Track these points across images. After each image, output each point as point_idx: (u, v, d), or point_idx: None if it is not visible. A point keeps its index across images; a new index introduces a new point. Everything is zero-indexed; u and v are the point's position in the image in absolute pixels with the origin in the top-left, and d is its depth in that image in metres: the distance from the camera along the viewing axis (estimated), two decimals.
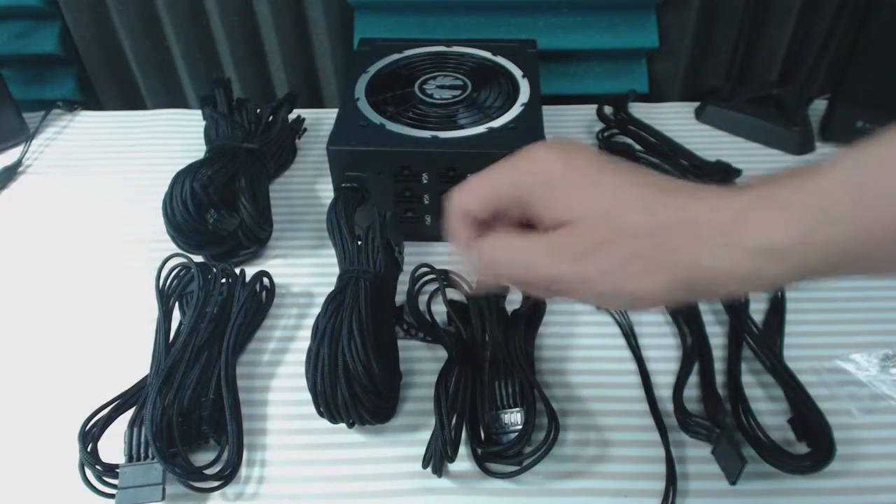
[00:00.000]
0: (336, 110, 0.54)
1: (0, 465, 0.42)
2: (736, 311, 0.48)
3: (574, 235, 0.29)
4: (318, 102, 0.80)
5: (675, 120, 0.68)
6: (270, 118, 0.62)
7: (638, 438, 0.43)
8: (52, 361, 0.48)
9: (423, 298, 0.51)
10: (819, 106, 0.66)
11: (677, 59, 0.72)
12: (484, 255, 0.32)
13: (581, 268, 0.28)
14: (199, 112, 0.62)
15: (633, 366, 0.47)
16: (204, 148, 0.58)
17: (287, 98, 0.64)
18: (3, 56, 0.73)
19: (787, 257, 0.25)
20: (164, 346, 0.44)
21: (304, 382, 0.40)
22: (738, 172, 0.59)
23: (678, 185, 0.29)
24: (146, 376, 0.43)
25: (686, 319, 0.49)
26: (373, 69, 0.58)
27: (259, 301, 0.50)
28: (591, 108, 0.68)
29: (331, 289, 0.44)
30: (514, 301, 0.50)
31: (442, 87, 0.56)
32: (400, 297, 0.49)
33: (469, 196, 0.34)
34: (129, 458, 0.40)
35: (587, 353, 0.48)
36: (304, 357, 0.41)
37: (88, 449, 0.39)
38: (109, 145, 0.68)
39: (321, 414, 0.41)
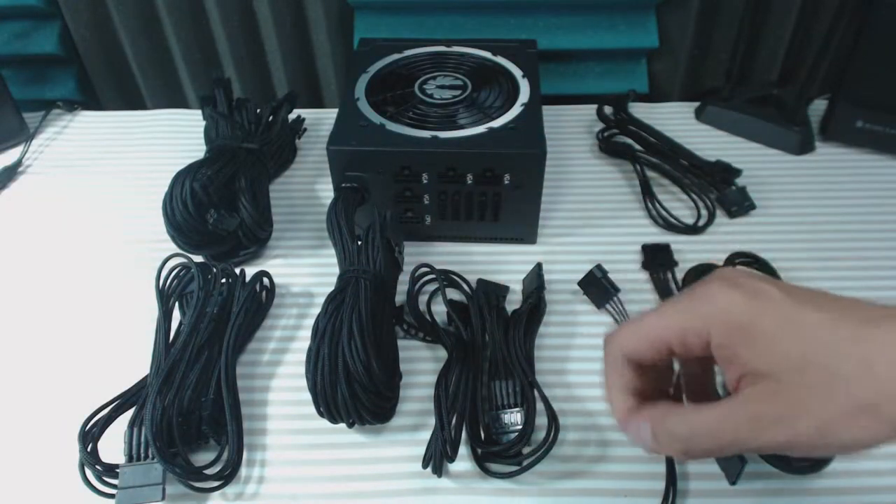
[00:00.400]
0: (336, 110, 0.54)
1: (0, 465, 0.42)
2: None
3: (775, 395, 0.25)
4: (318, 102, 0.80)
5: (675, 120, 0.68)
6: (270, 118, 0.62)
7: None
8: (52, 361, 0.48)
9: (423, 298, 0.51)
10: (819, 106, 0.66)
11: (677, 59, 0.72)
12: (659, 432, 0.28)
13: (792, 431, 0.25)
14: (199, 112, 0.62)
15: None
16: (204, 148, 0.58)
17: (287, 98, 0.64)
18: (3, 56, 0.73)
19: None
20: (164, 346, 0.45)
21: (304, 382, 0.40)
22: (738, 172, 0.59)
23: (884, 312, 0.25)
24: (146, 376, 0.43)
25: None
26: (373, 69, 0.58)
27: (259, 301, 0.50)
28: (591, 108, 0.68)
29: (331, 289, 0.44)
30: (514, 301, 0.50)
31: (442, 87, 0.56)
32: (400, 297, 0.49)
33: (632, 339, 0.29)
34: (129, 458, 0.40)
35: (587, 353, 0.48)
36: (304, 357, 0.41)
37: (88, 449, 0.39)
38: (109, 145, 0.68)
39: (321, 414, 0.41)
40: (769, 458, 0.39)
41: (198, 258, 0.51)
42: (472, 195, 0.52)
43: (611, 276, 0.49)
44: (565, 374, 0.46)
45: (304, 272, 0.54)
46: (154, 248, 0.53)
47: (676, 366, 0.33)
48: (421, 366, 0.47)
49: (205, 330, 0.45)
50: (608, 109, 0.66)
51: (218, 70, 0.77)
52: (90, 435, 0.40)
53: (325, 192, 0.61)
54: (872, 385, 0.24)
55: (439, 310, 0.50)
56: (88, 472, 0.39)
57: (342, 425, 0.42)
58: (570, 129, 0.68)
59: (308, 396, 0.40)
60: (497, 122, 0.52)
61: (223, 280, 0.49)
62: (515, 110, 0.53)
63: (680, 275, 0.52)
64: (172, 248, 0.52)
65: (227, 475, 0.40)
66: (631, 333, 0.29)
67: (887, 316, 0.25)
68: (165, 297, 0.48)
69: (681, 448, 0.28)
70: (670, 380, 0.33)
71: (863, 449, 0.25)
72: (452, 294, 0.51)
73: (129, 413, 0.41)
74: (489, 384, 0.43)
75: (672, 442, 0.28)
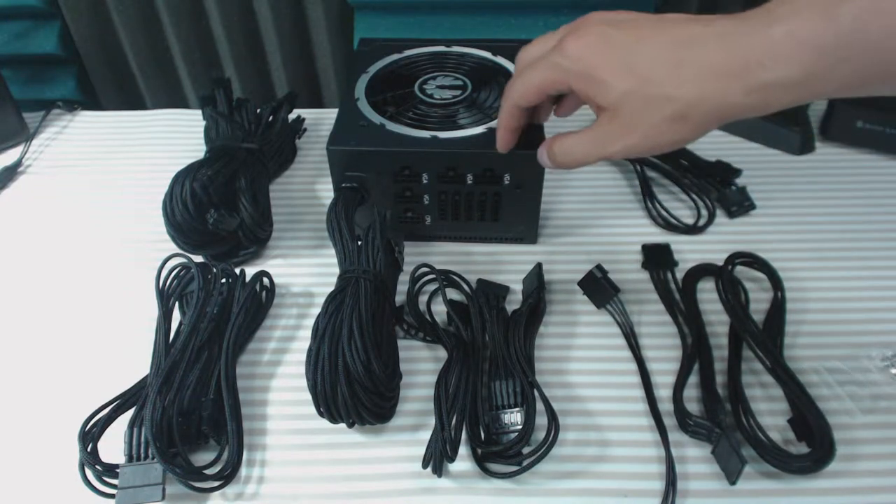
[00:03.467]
0: (336, 110, 0.54)
1: (0, 465, 0.42)
2: (736, 311, 0.48)
3: (613, 120, 0.36)
4: (318, 102, 0.80)
5: None
6: (270, 118, 0.62)
7: (638, 438, 0.43)
8: (52, 361, 0.48)
9: (423, 298, 0.51)
10: (819, 106, 0.66)
11: None
12: (550, 151, 0.41)
13: (627, 142, 0.36)
14: (199, 112, 0.62)
15: (633, 366, 0.47)
16: (204, 148, 0.58)
17: (287, 98, 0.64)
18: (3, 56, 0.73)
19: (796, 89, 0.32)
20: (164, 346, 0.44)
21: (304, 382, 0.40)
22: (738, 172, 0.59)
23: (697, 34, 0.33)
24: (146, 376, 0.43)
25: (686, 319, 0.49)
26: (373, 69, 0.58)
27: (259, 301, 0.50)
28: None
29: (331, 289, 0.44)
30: (514, 301, 0.50)
31: (442, 87, 0.56)
32: (400, 297, 0.49)
33: (517, 96, 0.41)
34: (129, 458, 0.40)
35: (587, 353, 0.48)
36: (304, 357, 0.41)
37: (88, 449, 0.39)
38: (109, 145, 0.68)
39: (321, 414, 0.41)
40: (769, 458, 0.39)
41: (198, 258, 0.51)
42: (472, 195, 0.52)
43: (611, 276, 0.49)
44: (565, 374, 0.46)
45: (304, 272, 0.54)
46: (154, 248, 0.53)
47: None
48: (421, 366, 0.47)
49: (205, 330, 0.45)
50: None
51: (218, 70, 0.77)
52: (90, 435, 0.40)
53: (325, 192, 0.62)
54: (680, 100, 0.34)
55: (439, 310, 0.50)
56: (88, 472, 0.39)
57: (342, 425, 0.42)
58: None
59: (308, 396, 0.40)
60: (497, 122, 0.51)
61: (223, 280, 0.49)
62: None
63: (680, 275, 0.52)
64: (172, 248, 0.52)
65: (227, 475, 0.40)
66: (520, 86, 0.40)
67: (692, 43, 0.33)
68: (165, 297, 0.48)
69: (562, 160, 0.41)
70: (542, 116, 0.47)
71: (679, 146, 0.36)
72: (452, 294, 0.51)
73: (129, 413, 0.41)
74: (489, 384, 0.43)
75: (558, 156, 0.41)
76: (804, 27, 0.30)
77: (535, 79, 0.39)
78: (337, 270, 0.46)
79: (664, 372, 0.46)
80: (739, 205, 0.57)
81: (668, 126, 0.35)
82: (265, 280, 0.51)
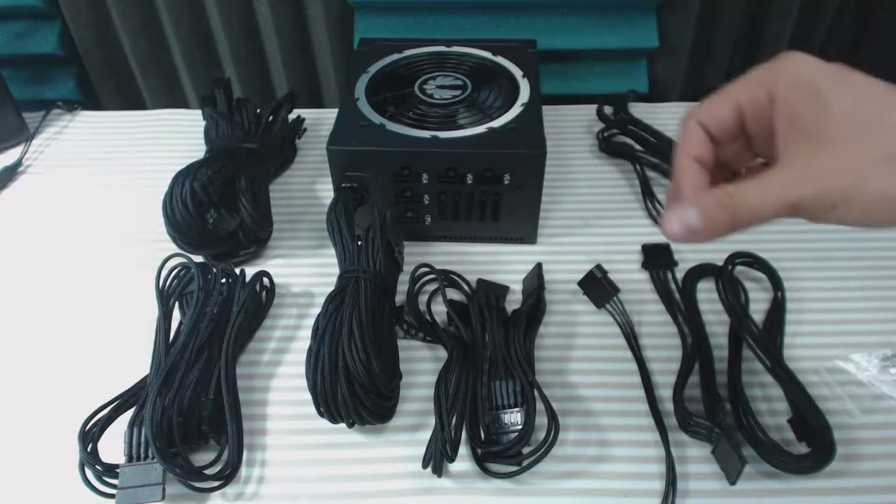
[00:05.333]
0: (336, 110, 0.54)
1: (0, 465, 0.42)
2: (736, 311, 0.48)
3: (819, 147, 0.27)
4: (318, 102, 0.80)
5: (675, 120, 0.68)
6: (270, 118, 0.62)
7: (638, 438, 0.43)
8: (52, 361, 0.48)
9: (423, 298, 0.51)
10: None
11: (677, 59, 0.72)
12: (708, 203, 0.29)
13: (842, 179, 0.26)
14: (199, 112, 0.62)
15: (633, 366, 0.47)
16: (204, 148, 0.58)
17: (287, 98, 0.64)
18: (3, 56, 0.73)
19: None
20: (164, 346, 0.44)
21: (304, 382, 0.40)
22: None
23: None
24: (146, 376, 0.43)
25: (686, 319, 0.49)
26: (373, 69, 0.58)
27: (259, 301, 0.50)
28: (591, 108, 0.68)
29: (331, 289, 0.44)
30: (514, 301, 0.50)
31: (442, 87, 0.56)
32: (400, 297, 0.49)
33: (710, 103, 0.31)
34: (129, 458, 0.40)
35: (587, 353, 0.48)
36: (304, 357, 0.41)
37: (88, 449, 0.39)
38: (109, 145, 0.68)
39: (321, 414, 0.41)
40: (769, 458, 0.39)
41: (198, 258, 0.51)
42: (472, 195, 0.52)
43: (611, 276, 0.49)
44: (565, 374, 0.46)
45: (304, 272, 0.54)
46: (154, 248, 0.53)
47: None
48: (421, 366, 0.47)
49: (205, 330, 0.45)
50: (608, 109, 0.66)
51: (218, 70, 0.77)
52: (90, 435, 0.40)
53: (325, 192, 0.61)
54: None
55: (439, 310, 0.50)
56: (88, 472, 0.39)
57: (342, 425, 0.42)
58: (570, 129, 0.68)
59: (308, 396, 0.40)
60: (497, 122, 0.52)
61: (223, 280, 0.49)
62: (515, 110, 0.53)
63: (680, 275, 0.52)
64: (172, 248, 0.52)
65: (227, 475, 0.40)
66: (711, 100, 0.31)
67: None
68: (165, 297, 0.48)
69: (729, 218, 0.29)
70: (736, 161, 0.33)
71: (890, 213, 0.26)
72: (452, 294, 0.51)
73: (129, 413, 0.41)
74: (489, 384, 0.43)
75: (719, 210, 0.29)
76: None
77: (730, 89, 0.30)
78: (337, 270, 0.46)
79: (664, 372, 0.46)
80: None
81: (887, 167, 0.26)
82: (265, 280, 0.51)
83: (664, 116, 0.68)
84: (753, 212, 0.28)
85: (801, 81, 0.28)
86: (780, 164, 0.28)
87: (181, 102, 0.79)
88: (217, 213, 0.51)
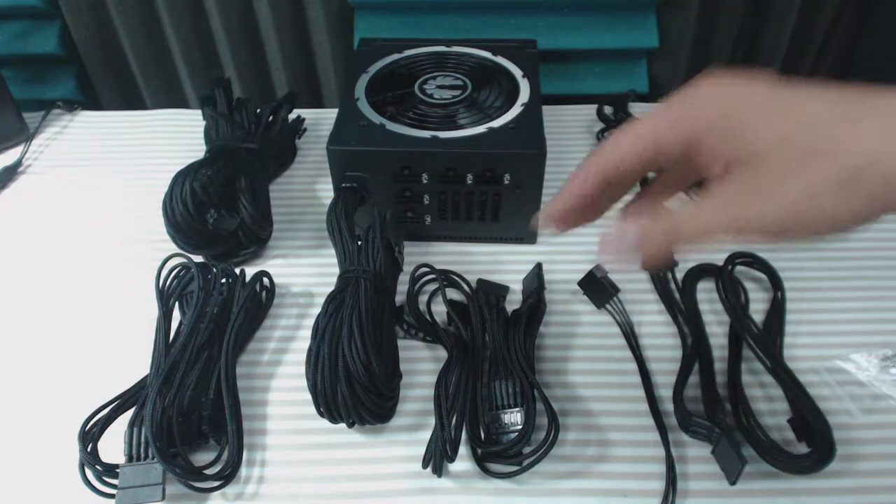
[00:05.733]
0: (336, 110, 0.54)
1: (0, 465, 0.42)
2: (736, 311, 0.48)
3: (756, 172, 0.26)
4: (318, 102, 0.80)
5: None
6: (270, 118, 0.62)
7: (638, 438, 0.43)
8: (52, 361, 0.48)
9: (423, 298, 0.51)
10: None
11: (677, 59, 0.72)
12: (646, 225, 0.28)
13: (770, 204, 0.26)
14: (199, 112, 0.62)
15: (633, 366, 0.47)
16: (204, 148, 0.58)
17: (287, 98, 0.64)
18: (3, 56, 0.73)
19: None
20: (164, 346, 0.44)
21: (304, 382, 0.40)
22: None
23: (874, 91, 0.25)
24: (146, 376, 0.43)
25: (686, 319, 0.49)
26: (373, 69, 0.58)
27: (259, 301, 0.50)
28: (591, 108, 0.68)
29: (331, 289, 0.44)
30: (514, 301, 0.50)
31: (442, 87, 0.56)
32: (400, 297, 0.49)
33: (619, 147, 0.29)
34: (129, 458, 0.40)
35: (587, 353, 0.48)
36: (304, 357, 0.41)
37: (88, 449, 0.39)
38: (109, 145, 0.68)
39: (321, 414, 0.41)
40: (769, 458, 0.39)
41: (198, 258, 0.51)
42: (472, 195, 0.52)
43: (611, 276, 0.49)
44: (565, 374, 0.46)
45: (304, 272, 0.54)
46: (154, 248, 0.53)
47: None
48: (421, 366, 0.47)
49: (205, 330, 0.45)
50: (608, 109, 0.66)
51: (218, 70, 0.77)
52: (90, 435, 0.40)
53: (325, 192, 0.61)
54: (851, 159, 0.24)
55: (439, 310, 0.50)
56: (88, 472, 0.39)
57: (342, 425, 0.42)
58: (570, 129, 0.68)
59: (308, 396, 0.40)
60: (497, 122, 0.52)
61: (223, 280, 0.49)
62: (515, 110, 0.53)
63: (680, 275, 0.52)
64: (172, 248, 0.52)
65: (227, 475, 0.40)
66: (622, 136, 0.29)
67: (873, 103, 0.25)
68: (165, 297, 0.48)
69: (666, 237, 0.28)
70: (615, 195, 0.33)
71: (839, 229, 0.25)
72: (452, 294, 0.51)
73: (129, 413, 0.41)
74: (489, 384, 0.43)
75: (657, 232, 0.28)
76: None
77: (646, 126, 0.29)
78: (337, 270, 0.46)
79: (664, 372, 0.46)
80: None
81: (830, 189, 0.25)
82: (265, 280, 0.51)
83: None
84: (699, 231, 0.28)
85: (725, 115, 0.27)
86: (724, 185, 0.27)
87: (181, 102, 0.79)
88: (217, 213, 0.51)
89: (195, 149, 0.62)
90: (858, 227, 0.25)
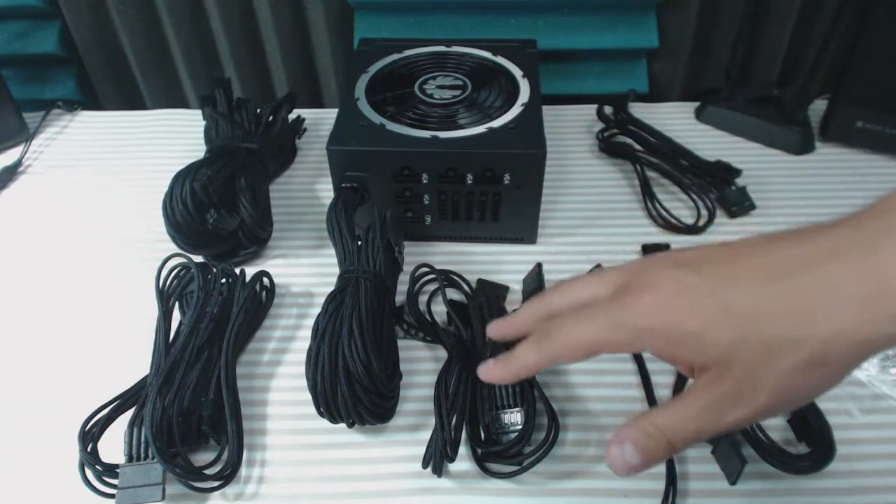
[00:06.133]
0: (336, 110, 0.54)
1: (0, 465, 0.42)
2: None
3: (723, 380, 0.26)
4: (318, 102, 0.80)
5: (675, 120, 0.68)
6: (270, 118, 0.62)
7: None
8: (52, 361, 0.48)
9: (423, 298, 0.51)
10: (819, 106, 0.66)
11: (677, 59, 0.72)
12: (640, 437, 0.28)
13: (752, 406, 0.26)
14: (199, 112, 0.62)
15: (633, 366, 0.47)
16: (204, 148, 0.58)
17: (287, 98, 0.64)
18: (3, 56, 0.73)
19: None
20: (164, 346, 0.44)
21: (304, 382, 0.40)
22: (738, 172, 0.59)
23: (807, 254, 0.26)
24: (146, 376, 0.43)
25: None
26: (373, 69, 0.58)
27: (259, 301, 0.50)
28: (591, 108, 0.68)
29: (331, 289, 0.44)
30: (514, 301, 0.50)
31: (442, 87, 0.56)
32: (400, 297, 0.49)
33: (562, 351, 0.30)
34: (129, 458, 0.40)
35: None
36: (304, 357, 0.41)
37: (88, 449, 0.39)
38: (109, 145, 0.68)
39: (321, 414, 0.41)
40: (769, 458, 0.39)
41: (198, 258, 0.51)
42: (472, 195, 0.52)
43: None
44: (565, 374, 0.46)
45: (304, 272, 0.54)
46: (154, 248, 0.53)
47: None
48: (421, 366, 0.47)
49: (205, 330, 0.45)
50: (608, 109, 0.66)
51: (218, 70, 0.77)
52: (90, 435, 0.40)
53: (325, 192, 0.61)
54: (813, 339, 0.25)
55: (439, 310, 0.50)
56: (88, 472, 0.39)
57: (342, 425, 0.42)
58: (570, 129, 0.68)
59: (308, 396, 0.40)
60: (497, 122, 0.52)
61: (223, 280, 0.49)
62: (515, 110, 0.53)
63: None
64: (172, 248, 0.52)
65: (227, 475, 0.40)
66: (567, 341, 0.30)
67: (800, 267, 0.26)
68: (165, 297, 0.48)
69: (665, 446, 0.28)
70: None
71: (819, 395, 0.27)
72: (452, 294, 0.51)
73: (129, 413, 0.41)
74: (489, 384, 0.43)
75: (656, 450, 0.28)
76: None
77: (590, 337, 0.29)
78: (337, 270, 0.46)
79: (664, 372, 0.46)
80: (739, 205, 0.57)
81: (802, 375, 0.25)
82: (265, 280, 0.51)
83: (664, 116, 0.68)
84: (685, 442, 0.28)
85: (669, 334, 0.27)
86: (694, 393, 0.28)
87: (181, 102, 0.79)
88: (217, 213, 0.51)
89: (195, 149, 0.62)
90: (836, 385, 0.26)
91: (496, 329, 0.36)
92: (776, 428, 0.42)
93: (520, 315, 0.35)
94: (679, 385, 0.44)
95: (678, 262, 0.29)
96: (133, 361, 0.45)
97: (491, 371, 0.34)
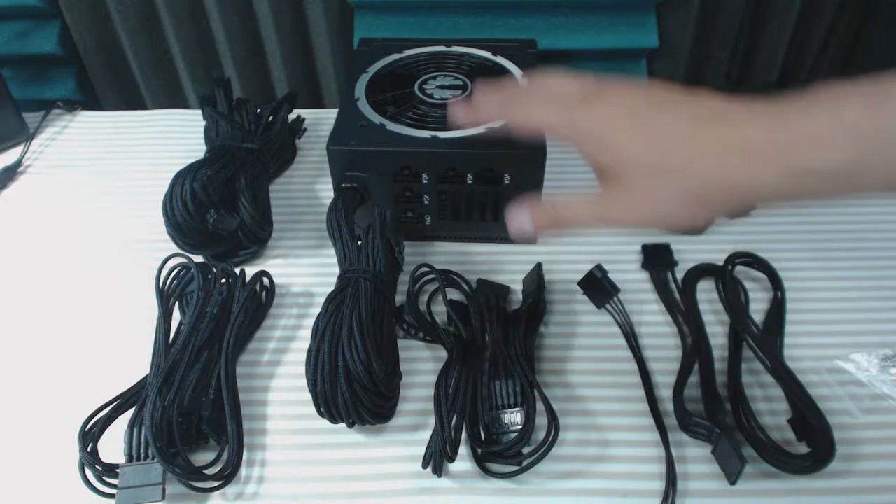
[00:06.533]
0: (336, 110, 0.54)
1: (0, 465, 0.42)
2: (736, 311, 0.48)
3: (625, 189, 0.33)
4: (318, 102, 0.80)
5: None
6: (270, 118, 0.62)
7: (638, 438, 0.43)
8: (52, 361, 0.48)
9: (423, 298, 0.51)
10: None
11: (677, 59, 0.72)
12: (558, 213, 0.37)
13: (635, 215, 0.33)
14: (199, 112, 0.62)
15: (633, 366, 0.47)
16: (204, 148, 0.58)
17: (287, 98, 0.64)
18: (3, 56, 0.73)
19: (840, 178, 0.29)
20: (164, 346, 0.44)
21: (304, 382, 0.40)
22: None
23: (726, 110, 0.31)
24: (146, 376, 0.43)
25: (686, 319, 0.49)
26: (373, 69, 0.58)
27: (259, 301, 0.50)
28: None
29: (331, 289, 0.44)
30: (514, 301, 0.50)
31: (442, 86, 0.56)
32: (400, 297, 0.49)
33: (521, 119, 0.38)
34: (129, 458, 0.40)
35: (587, 353, 0.48)
36: (304, 357, 0.41)
37: (88, 449, 0.39)
38: (109, 145, 0.68)
39: (321, 414, 0.41)
40: (769, 458, 0.39)
41: (198, 258, 0.51)
42: (472, 195, 0.52)
43: (611, 276, 0.49)
44: (565, 374, 0.46)
45: (304, 272, 0.54)
46: (154, 248, 0.53)
47: None
48: (421, 366, 0.47)
49: (205, 330, 0.45)
50: None
51: (218, 70, 0.77)
52: (90, 435, 0.40)
53: (325, 192, 0.61)
54: (697, 175, 0.31)
55: (439, 310, 0.50)
56: (88, 472, 0.39)
57: (342, 425, 0.42)
58: None
59: (308, 396, 0.40)
60: (497, 122, 0.51)
61: (223, 280, 0.49)
62: None
63: (680, 275, 0.52)
64: (172, 248, 0.52)
65: (227, 475, 0.40)
66: (527, 114, 0.37)
67: (718, 122, 0.31)
68: (165, 297, 0.48)
69: (552, 227, 0.37)
70: None
71: (688, 230, 0.34)
72: (452, 294, 0.51)
73: (129, 413, 0.41)
74: (489, 384, 0.43)
75: (559, 210, 0.36)
76: (852, 111, 0.28)
77: (543, 120, 0.37)
78: (337, 270, 0.46)
79: (664, 372, 0.46)
80: None
81: (678, 203, 0.31)
82: (265, 280, 0.51)
83: None
84: (575, 220, 0.36)
85: (598, 138, 0.33)
86: (592, 198, 0.35)
87: (181, 102, 0.79)
88: (217, 213, 0.51)
89: (195, 149, 0.62)
90: (707, 227, 0.32)
91: (463, 113, 0.42)
92: (776, 428, 0.42)
93: (485, 100, 0.41)
94: (679, 385, 0.44)
95: (637, 95, 0.34)
96: (133, 361, 0.45)
97: (456, 114, 0.42)
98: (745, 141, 0.30)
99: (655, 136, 0.32)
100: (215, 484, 0.40)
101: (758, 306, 0.49)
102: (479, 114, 0.41)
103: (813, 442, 0.40)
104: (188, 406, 0.42)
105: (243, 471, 0.42)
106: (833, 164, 0.28)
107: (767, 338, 0.47)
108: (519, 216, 0.37)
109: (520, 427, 0.41)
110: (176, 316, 0.48)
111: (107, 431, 0.41)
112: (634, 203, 0.33)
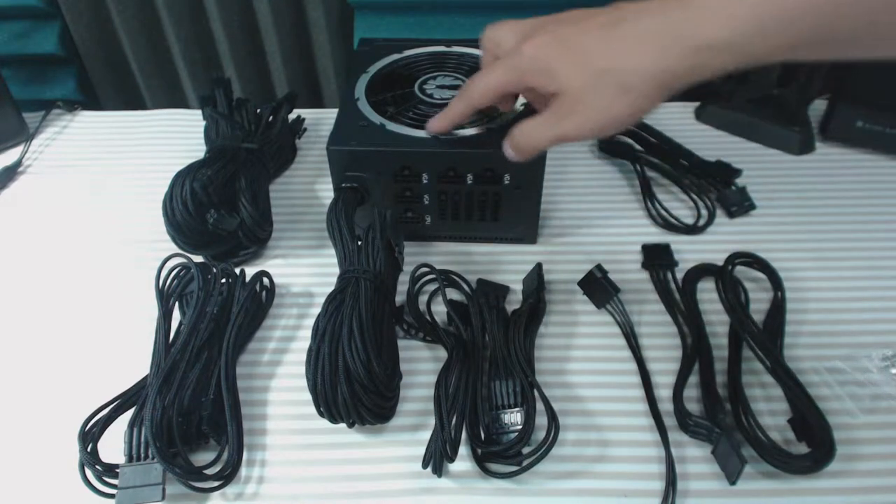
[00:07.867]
0: (336, 110, 0.54)
1: (0, 465, 0.42)
2: (736, 311, 0.48)
3: (563, 103, 0.38)
4: (318, 102, 0.80)
5: (675, 120, 0.68)
6: (270, 118, 0.62)
7: (638, 438, 0.43)
8: (52, 361, 0.48)
9: (423, 298, 0.51)
10: (819, 106, 0.66)
11: None
12: (515, 140, 0.43)
13: (575, 121, 0.38)
14: (199, 112, 0.62)
15: (633, 366, 0.47)
16: (204, 148, 0.58)
17: (287, 98, 0.64)
18: (3, 56, 0.73)
19: (731, 51, 0.33)
20: (164, 346, 0.44)
21: (304, 382, 0.40)
22: (738, 172, 0.59)
23: (635, 8, 0.36)
24: (146, 376, 0.43)
25: (686, 319, 0.49)
26: (373, 69, 0.58)
27: (259, 301, 0.50)
28: None
29: (331, 289, 0.44)
30: (514, 301, 0.50)
31: (442, 87, 0.56)
32: (400, 297, 0.49)
33: (478, 97, 0.43)
34: (129, 458, 0.40)
35: (587, 353, 0.48)
36: (304, 357, 0.41)
37: (88, 449, 0.39)
38: (109, 145, 0.68)
39: (321, 414, 0.41)
40: (769, 458, 0.39)
41: (198, 258, 0.51)
42: (472, 195, 0.52)
43: (611, 276, 0.49)
44: (565, 374, 0.46)
45: (304, 272, 0.54)
46: (154, 248, 0.53)
47: None
48: (421, 366, 0.47)
49: (205, 330, 0.45)
50: None
51: (218, 70, 0.77)
52: (90, 435, 0.40)
53: (325, 192, 0.62)
54: (620, 70, 0.36)
55: (439, 310, 0.50)
56: (88, 472, 0.39)
57: (342, 425, 0.42)
58: None
59: (308, 396, 0.40)
60: (497, 122, 0.52)
61: (223, 280, 0.49)
62: (515, 110, 0.53)
63: (680, 275, 0.52)
64: (172, 248, 0.52)
65: (227, 475, 0.40)
66: (481, 88, 0.43)
67: (628, 21, 0.36)
68: (165, 297, 0.48)
69: (522, 144, 0.42)
70: (507, 107, 0.50)
71: (634, 120, 0.38)
72: (452, 294, 0.51)
73: (129, 413, 0.41)
74: (489, 384, 0.43)
75: (517, 138, 0.42)
76: None
77: (493, 82, 0.42)
78: (337, 270, 0.46)
79: (664, 372, 0.46)
80: (739, 205, 0.57)
81: (614, 99, 0.36)
82: (265, 280, 0.51)
83: (664, 116, 0.68)
84: (534, 144, 0.42)
85: (540, 70, 0.38)
86: (547, 115, 0.40)
87: (181, 102, 0.79)
88: (217, 213, 0.51)
89: (195, 149, 0.62)
90: (650, 111, 0.37)
91: (436, 124, 0.48)
92: (776, 428, 0.42)
93: (453, 108, 0.46)
94: (679, 385, 0.44)
95: (561, 20, 0.39)
96: (133, 361, 0.45)
97: (432, 125, 0.48)
98: (650, 32, 0.35)
99: (579, 51, 0.37)
100: (215, 484, 0.40)
101: (758, 306, 0.49)
102: (448, 114, 0.46)
103: (813, 442, 0.40)
104: (188, 406, 0.42)
105: (243, 471, 0.42)
106: (723, 37, 0.33)
107: (767, 338, 0.47)
108: (505, 145, 0.44)
109: (520, 427, 0.41)
110: (176, 316, 0.48)
111: (107, 431, 0.41)
112: (582, 113, 0.38)
